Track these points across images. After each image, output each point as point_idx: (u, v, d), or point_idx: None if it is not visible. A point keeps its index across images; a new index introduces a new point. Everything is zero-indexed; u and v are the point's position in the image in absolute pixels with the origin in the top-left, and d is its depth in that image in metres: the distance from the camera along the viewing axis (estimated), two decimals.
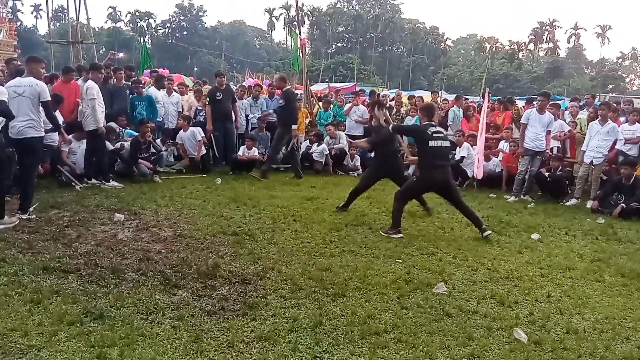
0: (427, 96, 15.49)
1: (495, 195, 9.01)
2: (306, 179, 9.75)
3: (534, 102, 10.73)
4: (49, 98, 6.22)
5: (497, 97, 15.90)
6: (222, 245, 5.35)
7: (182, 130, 10.04)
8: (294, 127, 9.70)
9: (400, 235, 6.03)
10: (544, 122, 8.69)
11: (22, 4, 78.73)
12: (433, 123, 6.31)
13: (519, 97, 18.35)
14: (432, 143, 6.06)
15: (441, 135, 6.24)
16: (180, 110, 10.62)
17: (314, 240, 5.69)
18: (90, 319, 3.52)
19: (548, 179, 8.88)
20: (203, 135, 9.94)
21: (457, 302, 4.20)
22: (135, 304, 3.81)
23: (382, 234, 6.09)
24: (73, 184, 7.81)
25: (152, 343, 3.28)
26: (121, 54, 18.32)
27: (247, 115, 11.38)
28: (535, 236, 6.39)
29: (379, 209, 7.47)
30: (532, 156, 8.74)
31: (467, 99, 15.05)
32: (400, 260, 5.18)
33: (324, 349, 3.34)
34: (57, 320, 3.46)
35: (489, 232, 6.19)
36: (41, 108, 6.14)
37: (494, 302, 4.26)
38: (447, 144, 6.32)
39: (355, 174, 10.68)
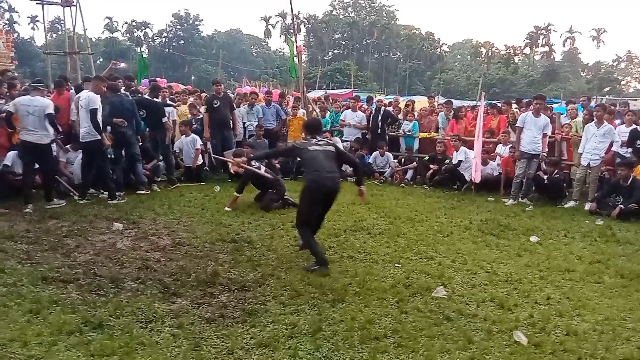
0: (424, 101, 15.54)
1: (493, 199, 9.02)
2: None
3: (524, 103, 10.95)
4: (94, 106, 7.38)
5: (490, 102, 15.97)
6: (221, 253, 5.35)
7: (183, 135, 10.03)
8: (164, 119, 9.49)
9: (325, 267, 4.94)
10: (540, 125, 8.69)
11: (19, 15, 78.84)
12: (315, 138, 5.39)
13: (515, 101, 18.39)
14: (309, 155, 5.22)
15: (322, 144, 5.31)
16: (175, 119, 10.59)
17: None
18: (90, 329, 3.52)
19: (546, 181, 8.90)
20: (202, 144, 9.94)
21: (457, 305, 4.20)
22: (134, 312, 3.80)
23: (305, 270, 4.95)
24: (71, 194, 7.81)
25: (152, 351, 3.27)
26: (122, 64, 18.34)
27: (244, 123, 11.38)
28: (534, 239, 6.40)
29: (377, 214, 7.48)
30: (528, 159, 8.75)
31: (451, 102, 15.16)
32: (400, 265, 5.18)
33: (323, 354, 3.34)
34: (57, 330, 3.46)
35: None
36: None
37: (493, 305, 4.26)
38: (329, 150, 5.27)
39: (353, 179, 10.65)
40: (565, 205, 8.60)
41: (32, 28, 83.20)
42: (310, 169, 5.16)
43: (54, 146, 7.85)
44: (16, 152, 7.53)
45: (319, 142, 5.30)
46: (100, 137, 7.44)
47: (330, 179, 5.08)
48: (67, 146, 8.45)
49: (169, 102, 10.56)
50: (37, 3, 14.45)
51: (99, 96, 7.54)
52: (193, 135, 9.99)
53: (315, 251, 5.06)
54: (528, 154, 8.73)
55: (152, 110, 9.07)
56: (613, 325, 3.96)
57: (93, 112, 7.37)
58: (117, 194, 7.71)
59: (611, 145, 8.78)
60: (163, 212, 7.07)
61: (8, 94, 8.27)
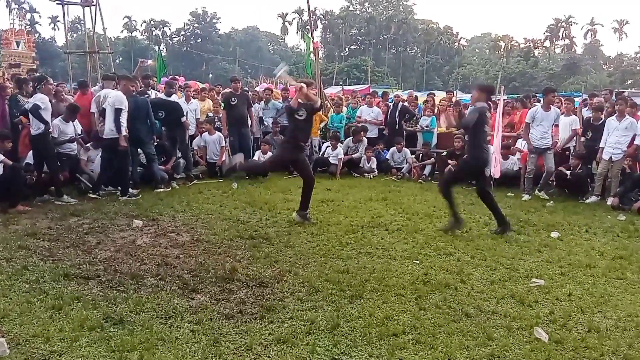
0: (442, 96, 15.40)
1: (513, 194, 8.91)
2: (321, 182, 9.75)
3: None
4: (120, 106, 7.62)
5: (512, 95, 15.78)
6: (239, 249, 5.38)
7: (207, 133, 10.11)
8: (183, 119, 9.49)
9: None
10: (550, 119, 8.70)
11: (39, 16, 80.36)
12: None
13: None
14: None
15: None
16: (199, 117, 10.67)
17: (330, 243, 5.69)
18: (111, 324, 3.57)
19: (569, 176, 8.77)
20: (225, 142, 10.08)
21: (476, 302, 4.16)
22: (154, 308, 3.84)
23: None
24: (90, 192, 7.91)
25: (172, 347, 3.30)
26: (150, 61, 18.47)
27: (260, 118, 11.42)
28: (554, 234, 6.31)
29: (395, 210, 7.45)
30: (540, 154, 8.70)
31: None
32: (418, 261, 5.15)
33: (342, 350, 3.33)
34: (78, 325, 3.51)
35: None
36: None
37: (513, 301, 4.21)
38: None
39: (371, 175, 10.65)
40: (587, 201, 8.46)
41: (53, 28, 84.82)
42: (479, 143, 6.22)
43: (72, 147, 8.01)
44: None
45: None
46: (118, 136, 7.60)
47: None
48: (88, 144, 8.56)
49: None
50: (57, 3, 14.59)
51: (125, 97, 7.75)
52: (218, 133, 10.07)
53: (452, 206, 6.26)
54: (539, 149, 8.69)
55: (170, 110, 9.16)
56: (636, 321, 3.88)
57: (117, 112, 7.58)
58: (131, 191, 7.83)
59: (634, 138, 8.61)
60: (182, 209, 7.13)
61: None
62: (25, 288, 4.15)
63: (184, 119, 9.30)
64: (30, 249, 5.15)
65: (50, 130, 7.34)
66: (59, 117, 7.86)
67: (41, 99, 7.21)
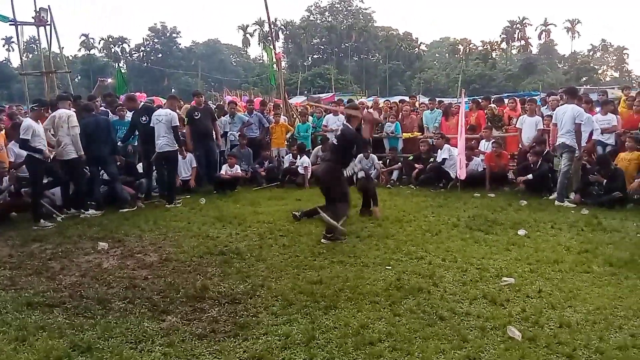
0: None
1: (479, 195, 9.06)
2: (291, 192, 9.72)
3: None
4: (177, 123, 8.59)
5: (472, 97, 16.12)
6: (210, 266, 5.29)
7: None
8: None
9: None
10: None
11: None
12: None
13: (495, 95, 18.58)
14: None
15: None
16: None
17: (303, 254, 5.65)
18: (78, 353, 3.44)
19: (531, 175, 8.96)
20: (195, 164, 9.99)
21: (450, 304, 4.19)
22: (123, 333, 3.73)
23: None
24: (54, 215, 7.70)
25: None
26: (110, 79, 18.16)
27: (225, 132, 11.32)
28: (521, 232, 6.43)
29: (365, 216, 7.45)
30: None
31: (443, 101, 15.40)
32: (390, 267, 5.16)
33: None
34: (44, 356, 3.38)
35: None
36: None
37: (485, 301, 4.25)
38: None
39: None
40: (551, 197, 8.65)
41: (7, 49, 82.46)
42: None
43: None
44: None
45: None
46: (177, 148, 8.64)
47: None
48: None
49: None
50: (10, 24, 14.23)
51: (175, 114, 8.67)
52: (189, 155, 9.86)
53: None
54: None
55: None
56: (605, 314, 3.97)
57: (175, 129, 8.47)
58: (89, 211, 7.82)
59: (591, 134, 8.87)
60: (149, 228, 6.98)
61: None
62: None
63: None
64: None
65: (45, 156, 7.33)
66: (12, 141, 7.65)
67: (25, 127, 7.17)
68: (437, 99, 15.11)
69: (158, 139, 8.47)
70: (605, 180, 8.05)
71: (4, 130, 8.49)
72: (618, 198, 7.84)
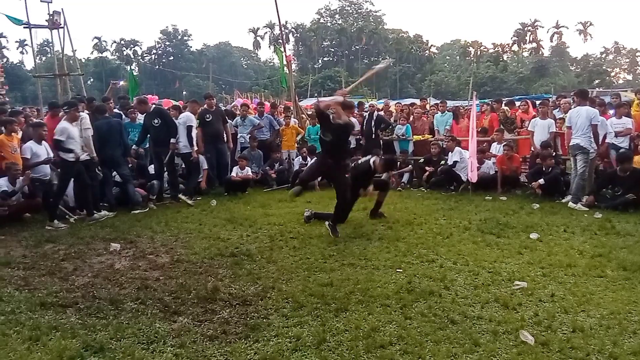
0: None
1: (491, 198, 9.01)
2: (301, 195, 9.69)
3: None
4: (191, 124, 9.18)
5: (483, 100, 16.05)
6: (221, 268, 5.30)
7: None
8: (172, 140, 9.09)
9: None
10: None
11: (7, 40, 78.73)
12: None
13: (507, 98, 18.49)
14: None
15: None
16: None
17: (313, 256, 5.65)
18: (91, 353, 3.47)
19: (542, 179, 8.89)
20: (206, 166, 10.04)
21: (461, 308, 4.16)
22: (135, 334, 3.75)
23: None
24: (67, 216, 7.76)
25: None
26: (122, 82, 18.36)
27: (235, 134, 11.36)
28: (534, 236, 6.38)
29: (376, 219, 7.43)
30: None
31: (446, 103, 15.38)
32: (401, 270, 5.14)
33: None
34: (57, 356, 3.40)
35: None
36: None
37: (498, 305, 4.22)
38: None
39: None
40: (564, 200, 8.57)
41: (21, 52, 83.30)
42: None
43: (45, 172, 7.83)
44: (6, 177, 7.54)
45: None
46: (191, 150, 9.13)
47: None
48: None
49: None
50: (24, 27, 14.43)
51: (190, 114, 9.26)
52: (200, 157, 9.91)
53: None
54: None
55: (167, 120, 9.05)
56: (619, 319, 3.92)
57: (189, 129, 9.01)
58: (95, 214, 7.80)
59: (605, 137, 8.79)
60: (160, 229, 7.02)
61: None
62: (1, 320, 4.02)
63: (173, 140, 9.00)
64: (5, 279, 5.00)
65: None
66: (31, 140, 7.72)
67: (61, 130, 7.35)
68: (447, 102, 15.02)
69: (178, 142, 9.01)
70: (624, 178, 7.95)
71: (20, 132, 8.56)
72: (632, 200, 7.76)
